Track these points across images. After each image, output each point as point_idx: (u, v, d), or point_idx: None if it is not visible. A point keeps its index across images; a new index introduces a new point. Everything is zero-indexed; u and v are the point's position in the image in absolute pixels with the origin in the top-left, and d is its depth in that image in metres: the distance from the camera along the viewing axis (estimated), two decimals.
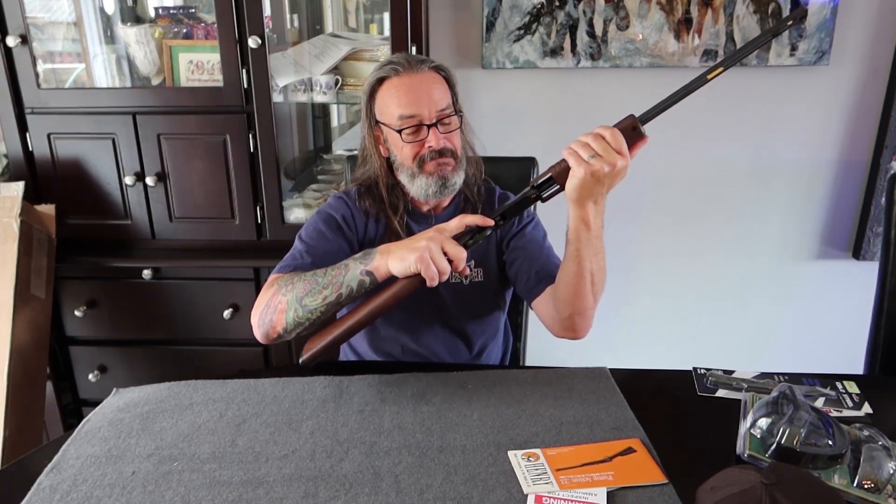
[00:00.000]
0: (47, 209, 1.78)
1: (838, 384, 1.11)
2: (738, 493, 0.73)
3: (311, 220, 1.27)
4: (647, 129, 0.97)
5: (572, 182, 0.97)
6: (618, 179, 0.98)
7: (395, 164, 1.24)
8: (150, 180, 1.77)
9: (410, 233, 1.25)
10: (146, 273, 1.80)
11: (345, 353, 1.41)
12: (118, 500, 0.83)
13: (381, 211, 1.26)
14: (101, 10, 1.82)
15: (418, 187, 1.21)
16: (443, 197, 1.23)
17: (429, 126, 1.17)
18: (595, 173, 0.95)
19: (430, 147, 1.17)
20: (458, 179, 1.22)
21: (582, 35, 1.90)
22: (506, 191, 1.36)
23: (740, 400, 1.02)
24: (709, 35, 1.88)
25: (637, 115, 0.97)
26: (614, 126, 0.97)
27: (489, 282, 1.29)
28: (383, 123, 1.21)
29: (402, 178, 1.23)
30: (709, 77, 0.96)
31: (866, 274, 1.95)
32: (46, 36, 1.80)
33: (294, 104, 1.94)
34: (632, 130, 0.97)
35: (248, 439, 0.95)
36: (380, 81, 1.20)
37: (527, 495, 0.83)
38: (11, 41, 1.66)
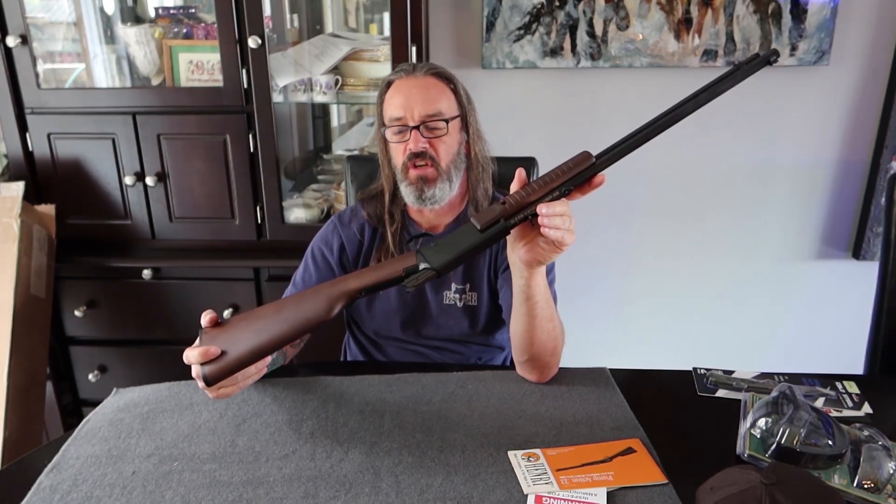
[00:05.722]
0: (47, 209, 1.78)
1: (838, 384, 1.11)
2: (738, 493, 0.73)
3: (306, 252, 1.29)
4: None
5: (545, 254, 0.91)
6: None
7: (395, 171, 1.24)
8: (149, 180, 1.77)
9: (403, 247, 1.25)
10: (146, 273, 1.80)
11: (348, 354, 1.41)
12: (118, 500, 0.83)
13: (380, 220, 1.26)
14: (101, 10, 1.83)
15: (405, 195, 1.20)
16: (422, 207, 1.20)
17: (413, 128, 1.15)
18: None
19: (409, 149, 1.16)
20: (438, 193, 1.18)
21: (582, 35, 1.90)
22: None
23: (740, 400, 1.02)
24: (709, 35, 1.88)
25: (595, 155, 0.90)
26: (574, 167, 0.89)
27: (482, 305, 1.26)
28: (381, 125, 1.22)
29: (400, 185, 1.22)
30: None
31: (866, 274, 1.95)
32: (46, 36, 1.80)
33: (294, 104, 1.94)
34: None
35: (248, 439, 0.95)
36: (388, 85, 1.20)
37: (527, 495, 0.83)
38: (11, 41, 1.66)
